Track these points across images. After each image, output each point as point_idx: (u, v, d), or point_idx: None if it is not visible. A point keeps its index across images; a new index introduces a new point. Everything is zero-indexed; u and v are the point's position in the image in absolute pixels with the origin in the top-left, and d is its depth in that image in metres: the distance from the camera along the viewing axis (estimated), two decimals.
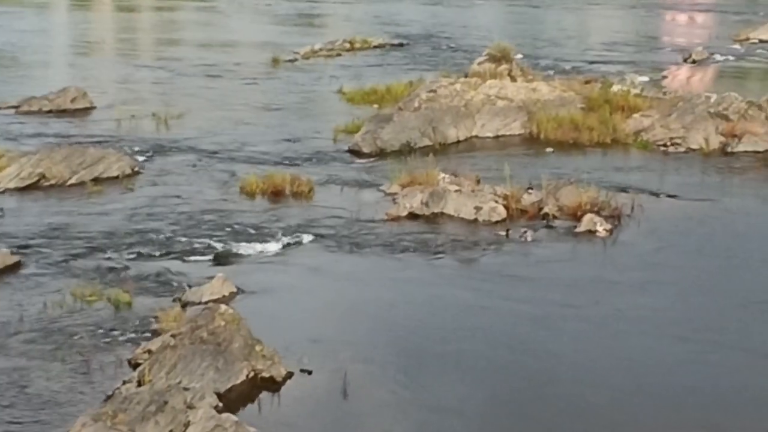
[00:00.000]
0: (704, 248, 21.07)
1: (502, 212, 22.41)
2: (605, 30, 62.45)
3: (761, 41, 54.20)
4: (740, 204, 24.33)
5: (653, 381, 14.93)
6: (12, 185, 24.52)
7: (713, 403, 14.37)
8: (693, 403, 14.33)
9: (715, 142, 29.08)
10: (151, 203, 23.57)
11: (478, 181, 24.26)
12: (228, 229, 21.68)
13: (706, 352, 16.01)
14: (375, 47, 51.29)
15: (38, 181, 24.82)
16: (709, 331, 16.83)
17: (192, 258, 20.02)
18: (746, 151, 28.53)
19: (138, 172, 26.08)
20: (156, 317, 16.63)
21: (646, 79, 40.31)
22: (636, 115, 30.97)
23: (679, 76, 43.51)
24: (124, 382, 14.43)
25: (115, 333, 16.34)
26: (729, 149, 28.73)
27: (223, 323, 15.52)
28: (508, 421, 13.96)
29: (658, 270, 19.72)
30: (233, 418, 13.32)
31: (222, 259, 19.94)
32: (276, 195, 24.05)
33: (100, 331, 16.41)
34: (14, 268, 19.12)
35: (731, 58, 49.58)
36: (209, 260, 19.92)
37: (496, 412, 14.22)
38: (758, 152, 28.55)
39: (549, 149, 29.12)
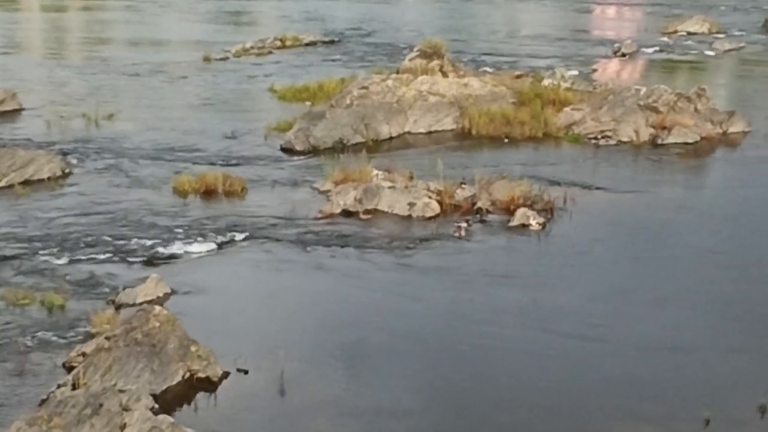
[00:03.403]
0: (633, 242, 21.36)
1: (435, 207, 22.56)
2: (535, 24, 62.87)
3: (689, 33, 54.98)
4: (670, 196, 24.67)
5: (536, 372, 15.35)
6: None
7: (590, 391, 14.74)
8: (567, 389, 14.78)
9: (645, 134, 29.46)
10: (82, 205, 23.42)
11: (412, 177, 24.38)
12: (161, 229, 21.60)
13: (593, 346, 16.28)
14: (306, 45, 51.30)
15: None
16: (618, 326, 17.10)
17: (125, 259, 19.91)
18: (676, 143, 28.95)
19: (69, 174, 25.89)
20: (90, 319, 16.53)
21: (576, 72, 40.67)
22: (567, 109, 31.29)
23: (608, 69, 43.99)
24: (59, 386, 14.33)
25: (49, 336, 16.23)
26: (659, 141, 29.13)
27: (157, 324, 15.48)
28: (454, 396, 14.22)
29: (586, 265, 20.05)
30: (169, 419, 13.29)
31: (155, 260, 19.87)
32: (209, 194, 24.01)
33: (34, 334, 16.28)
34: None
35: (660, 50, 50.23)
36: (142, 261, 19.82)
37: (428, 392, 14.41)
38: (688, 143, 28.98)
39: (506, 140, 29.57)
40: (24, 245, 20.61)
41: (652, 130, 29.55)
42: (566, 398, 14.47)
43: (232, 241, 20.91)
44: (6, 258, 19.88)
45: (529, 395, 14.61)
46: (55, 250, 20.33)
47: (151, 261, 19.82)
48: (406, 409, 14.17)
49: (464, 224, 21.76)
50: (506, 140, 29.57)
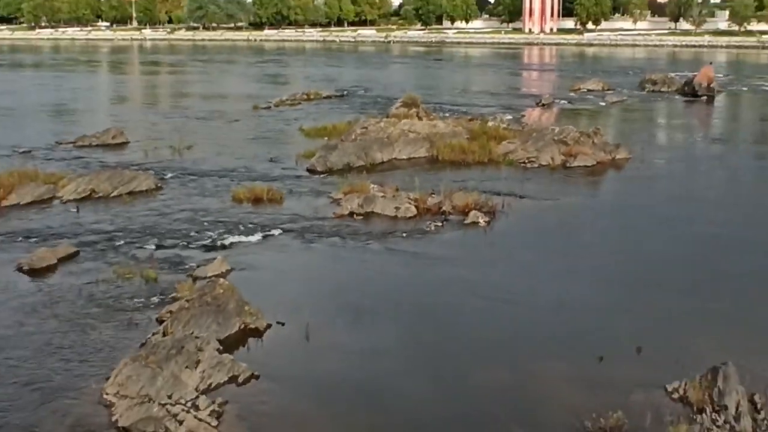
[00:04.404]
0: (549, 234, 21.42)
1: (413, 210, 22.56)
2: (481, 83, 63.00)
3: (588, 90, 55.33)
4: (575, 202, 24.68)
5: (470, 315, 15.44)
6: (71, 197, 24.33)
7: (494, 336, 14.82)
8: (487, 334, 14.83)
9: (558, 159, 29.52)
10: (169, 209, 23.44)
11: (397, 189, 24.34)
12: (224, 225, 21.61)
13: (511, 307, 16.32)
14: (324, 98, 51.50)
15: (90, 194, 24.63)
16: (531, 293, 17.14)
17: (199, 246, 19.93)
18: (579, 166, 29.02)
19: (160, 188, 25.90)
20: (175, 288, 16.60)
21: (510, 117, 40.81)
22: (504, 142, 31.31)
23: (533, 115, 44.02)
24: (153, 334, 14.44)
25: (146, 299, 16.32)
26: (567, 164, 29.17)
27: (221, 291, 15.54)
28: (420, 343, 14.31)
29: (515, 250, 20.08)
30: (230, 357, 13.46)
31: (220, 247, 19.89)
32: (257, 201, 23.98)
33: (136, 298, 16.40)
34: (73, 256, 19.05)
35: (568, 102, 50.34)
36: (211, 247, 19.84)
37: (415, 341, 14.55)
38: (587, 166, 29.05)
39: (463, 164, 29.44)
40: (128, 236, 20.66)
41: (563, 157, 29.58)
42: (493, 342, 14.57)
43: (272, 234, 20.89)
44: (116, 245, 19.94)
45: (468, 337, 14.74)
46: (150, 239, 20.36)
47: (217, 247, 19.84)
48: (387, 347, 14.30)
49: (433, 222, 21.81)
50: (463, 164, 29.55)
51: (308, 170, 28.73)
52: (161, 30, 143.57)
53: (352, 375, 13.42)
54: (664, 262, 18.86)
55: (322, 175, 27.98)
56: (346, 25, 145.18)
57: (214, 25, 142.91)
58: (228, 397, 12.49)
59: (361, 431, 11.81)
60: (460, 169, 28.84)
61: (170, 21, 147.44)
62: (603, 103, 49.59)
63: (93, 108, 49.08)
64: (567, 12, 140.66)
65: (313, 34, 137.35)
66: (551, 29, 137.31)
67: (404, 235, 20.90)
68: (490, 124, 35.05)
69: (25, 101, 51.47)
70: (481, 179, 27.04)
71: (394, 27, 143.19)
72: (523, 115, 43.23)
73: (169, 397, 12.22)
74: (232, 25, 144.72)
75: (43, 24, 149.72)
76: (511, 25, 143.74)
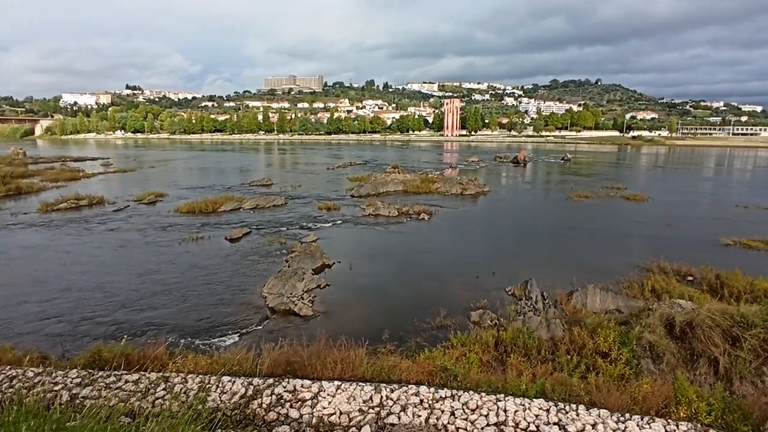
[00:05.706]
0: (456, 223, 21.20)
1: (396, 213, 22.46)
2: (425, 158, 62.31)
3: (472, 161, 54.36)
4: (467, 209, 24.50)
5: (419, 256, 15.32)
6: (248, 207, 24.07)
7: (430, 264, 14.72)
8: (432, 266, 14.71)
9: (459, 191, 29.24)
10: (289, 213, 23.16)
11: (389, 204, 24.24)
12: (314, 219, 21.45)
13: (439, 256, 16.07)
14: (357, 164, 50.91)
15: (256, 206, 24.37)
16: (448, 250, 16.98)
17: (303, 228, 19.75)
18: (468, 194, 28.69)
19: (286, 203, 25.59)
20: (293, 247, 16.51)
21: (438, 172, 40.37)
22: (435, 183, 31.07)
23: (448, 171, 43.60)
24: (284, 266, 14.39)
25: (280, 252, 16.16)
26: (463, 193, 28.85)
27: (313, 248, 15.53)
28: (399, 270, 14.20)
29: (441, 232, 19.84)
30: (317, 276, 13.38)
31: (312, 229, 19.73)
32: (328, 209, 23.79)
33: (277, 251, 16.26)
34: (248, 233, 18.90)
35: (464, 167, 49.80)
36: (308, 229, 19.68)
37: (397, 269, 14.45)
38: (472, 194, 28.73)
39: (420, 193, 29.28)
40: (272, 225, 20.40)
41: (461, 190, 29.38)
42: (429, 269, 14.43)
43: (336, 223, 20.77)
44: (267, 229, 19.73)
45: (417, 267, 14.55)
46: (282, 226, 20.23)
47: (311, 229, 19.68)
48: (383, 272, 14.21)
49: (405, 218, 21.71)
50: (418, 193, 29.26)
51: (351, 196, 28.47)
52: (287, 135, 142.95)
53: (370, 283, 13.41)
54: (505, 234, 18.84)
55: (357, 198, 27.75)
56: (366, 132, 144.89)
57: (310, 132, 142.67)
58: (315, 294, 12.52)
59: (375, 307, 11.87)
60: (416, 196, 28.64)
61: (291, 131, 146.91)
62: (477, 167, 49.06)
63: (256, 168, 48.69)
64: (463, 125, 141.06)
65: (352, 137, 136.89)
66: (455, 134, 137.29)
67: (392, 224, 20.86)
68: (429, 175, 34.85)
69: (227, 165, 51.19)
70: (426, 200, 26.90)
71: (388, 133, 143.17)
72: (443, 171, 42.97)
73: (291, 293, 12.25)
74: (318, 132, 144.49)
75: (235, 132, 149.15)
76: (438, 132, 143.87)
